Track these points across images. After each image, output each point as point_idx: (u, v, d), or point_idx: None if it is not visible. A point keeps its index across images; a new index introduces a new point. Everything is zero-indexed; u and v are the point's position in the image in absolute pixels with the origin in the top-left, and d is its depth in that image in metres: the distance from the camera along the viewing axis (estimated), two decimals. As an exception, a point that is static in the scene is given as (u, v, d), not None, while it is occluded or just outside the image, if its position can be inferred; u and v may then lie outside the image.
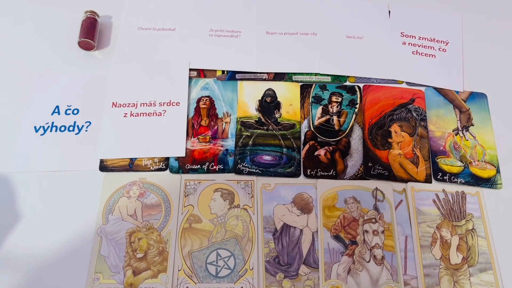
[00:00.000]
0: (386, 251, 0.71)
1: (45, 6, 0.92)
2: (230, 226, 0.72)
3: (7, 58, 0.86)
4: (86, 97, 0.82)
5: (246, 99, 0.83)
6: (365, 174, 0.77)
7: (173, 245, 0.70)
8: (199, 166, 0.77)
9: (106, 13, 0.91)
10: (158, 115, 0.80)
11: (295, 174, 0.77)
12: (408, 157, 0.78)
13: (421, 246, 0.71)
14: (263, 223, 0.72)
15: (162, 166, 0.76)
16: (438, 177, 0.77)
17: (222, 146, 0.78)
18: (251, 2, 0.92)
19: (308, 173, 0.77)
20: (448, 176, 0.77)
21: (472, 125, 0.82)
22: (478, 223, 0.73)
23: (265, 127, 0.81)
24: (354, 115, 0.82)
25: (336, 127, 0.81)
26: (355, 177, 0.77)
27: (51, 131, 0.79)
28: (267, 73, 0.86)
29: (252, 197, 0.74)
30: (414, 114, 0.82)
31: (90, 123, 0.80)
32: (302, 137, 0.80)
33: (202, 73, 0.85)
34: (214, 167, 0.76)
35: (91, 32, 0.85)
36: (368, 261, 0.70)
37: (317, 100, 0.84)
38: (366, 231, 0.72)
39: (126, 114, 0.80)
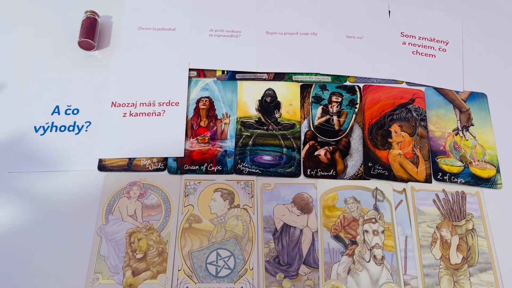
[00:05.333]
0: (386, 251, 0.71)
1: (45, 6, 0.92)
2: (230, 226, 0.72)
3: (7, 58, 0.86)
4: (86, 97, 0.82)
5: (246, 99, 0.83)
6: (365, 174, 0.77)
7: (173, 245, 0.70)
8: (197, 167, 0.77)
9: (106, 13, 0.91)
10: (157, 115, 0.80)
11: (295, 174, 0.77)
12: (408, 157, 0.78)
13: (421, 246, 0.71)
14: (263, 223, 0.72)
15: (160, 166, 0.76)
16: (438, 177, 0.77)
17: (220, 147, 0.78)
18: (251, 2, 0.92)
19: (308, 173, 0.77)
20: (448, 176, 0.77)
21: (472, 125, 0.82)
22: (478, 223, 0.73)
23: (265, 127, 0.81)
24: (354, 115, 0.82)
25: (336, 127, 0.81)
26: (355, 177, 0.77)
27: (51, 131, 0.79)
28: (267, 73, 0.86)
29: (252, 197, 0.74)
30: (414, 114, 0.82)
31: (90, 123, 0.80)
32: (302, 137, 0.80)
33: (202, 73, 0.85)
34: (213, 168, 0.76)
35: (91, 32, 0.85)
36: (368, 261, 0.70)
37: (317, 100, 0.84)
38: (366, 231, 0.72)
39: (125, 114, 0.80)
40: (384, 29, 0.91)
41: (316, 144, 0.80)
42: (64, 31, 0.88)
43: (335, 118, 0.82)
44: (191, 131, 0.80)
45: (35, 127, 0.79)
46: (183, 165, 0.77)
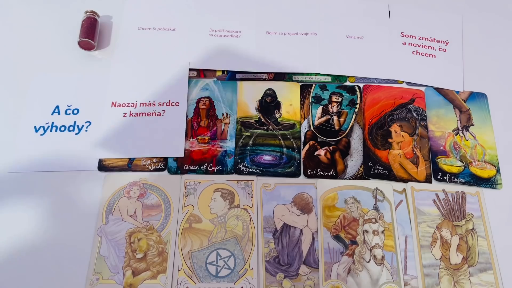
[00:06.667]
0: (386, 251, 0.71)
1: (45, 6, 0.92)
2: (230, 226, 0.72)
3: (7, 58, 0.86)
4: (86, 97, 0.82)
5: (246, 99, 0.83)
6: (365, 174, 0.77)
7: (173, 245, 0.70)
8: (197, 167, 0.77)
9: (106, 13, 0.91)
10: (157, 115, 0.80)
11: (295, 174, 0.77)
12: (408, 157, 0.78)
13: (421, 246, 0.71)
14: (263, 223, 0.72)
15: (160, 166, 0.76)
16: (438, 177, 0.77)
17: (221, 147, 0.78)
18: (251, 2, 0.92)
19: (308, 173, 0.77)
20: (448, 176, 0.77)
21: (472, 125, 0.82)
22: (478, 223, 0.73)
23: (265, 127, 0.81)
24: (354, 115, 0.82)
25: (336, 127, 0.81)
26: (355, 177, 0.77)
27: (51, 131, 0.79)
28: (267, 73, 0.86)
29: (252, 197, 0.74)
30: (414, 114, 0.82)
31: (90, 123, 0.80)
32: (302, 137, 0.80)
33: (202, 73, 0.85)
34: (213, 168, 0.76)
35: (91, 32, 0.85)
36: (368, 261, 0.70)
37: (317, 100, 0.84)
38: (366, 231, 0.72)
39: (125, 114, 0.80)
40: (384, 29, 0.91)
41: (316, 144, 0.80)
42: (64, 31, 0.88)
43: (335, 118, 0.82)
44: (191, 131, 0.80)
45: (35, 127, 0.79)
46: (183, 165, 0.77)
